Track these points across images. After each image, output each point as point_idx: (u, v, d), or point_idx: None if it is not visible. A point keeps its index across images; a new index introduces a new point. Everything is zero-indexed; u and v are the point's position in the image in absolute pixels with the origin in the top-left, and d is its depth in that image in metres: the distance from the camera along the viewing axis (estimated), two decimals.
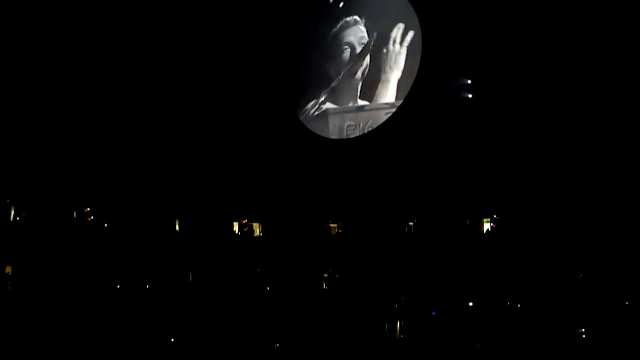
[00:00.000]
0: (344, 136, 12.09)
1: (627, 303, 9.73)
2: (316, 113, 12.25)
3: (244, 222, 12.73)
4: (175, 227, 12.94)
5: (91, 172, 12.72)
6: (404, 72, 12.06)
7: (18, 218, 12.52)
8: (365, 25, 12.32)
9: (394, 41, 12.03)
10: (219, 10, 12.21)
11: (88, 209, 12.73)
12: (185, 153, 12.65)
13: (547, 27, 10.65)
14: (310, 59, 12.49)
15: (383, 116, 11.97)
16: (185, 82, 12.41)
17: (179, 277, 12.39)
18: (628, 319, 9.64)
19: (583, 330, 9.76)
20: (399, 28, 11.91)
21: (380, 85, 12.14)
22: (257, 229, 12.77)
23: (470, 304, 10.73)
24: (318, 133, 12.41)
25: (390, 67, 12.15)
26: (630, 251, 9.79)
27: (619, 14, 10.36)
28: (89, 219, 12.78)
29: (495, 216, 11.04)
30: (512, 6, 10.93)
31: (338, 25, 12.49)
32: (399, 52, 12.05)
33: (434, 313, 10.89)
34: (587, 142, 10.41)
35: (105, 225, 12.66)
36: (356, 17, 12.30)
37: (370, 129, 11.99)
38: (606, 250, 9.94)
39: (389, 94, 12.06)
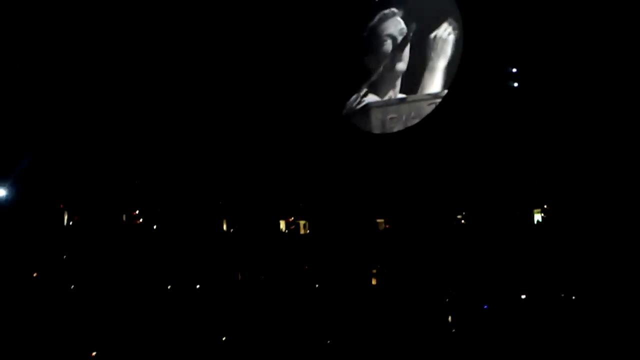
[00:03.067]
0: (387, 129, 12.38)
1: None
2: (358, 107, 12.58)
3: (290, 220, 13.20)
4: (223, 227, 13.48)
5: (138, 174, 13.26)
6: (445, 62, 12.28)
7: (71, 222, 13.19)
8: (403, 17, 12.51)
9: (434, 32, 12.25)
10: (255, 9, 12.51)
11: (137, 212, 13.35)
12: (229, 152, 13.08)
13: (595, 12, 10.78)
14: (350, 54, 12.77)
15: (426, 107, 12.19)
16: (229, 80, 12.80)
17: (229, 277, 12.94)
18: None
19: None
20: (438, 18, 12.12)
21: (421, 77, 12.34)
22: (303, 227, 13.24)
23: (523, 296, 11.12)
24: (361, 128, 12.74)
25: (431, 58, 12.36)
26: None
27: None
28: (138, 222, 13.40)
29: (545, 206, 11.32)
30: None
31: (376, 18, 12.67)
32: (440, 43, 12.26)
33: (486, 307, 11.30)
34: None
35: (155, 227, 13.27)
36: (394, 9, 12.50)
37: (413, 121, 12.29)
38: None
39: (431, 85, 12.30)
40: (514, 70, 11.64)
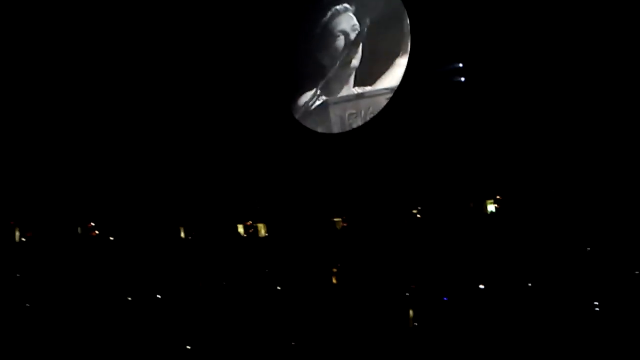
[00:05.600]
0: (346, 126, 12.63)
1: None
2: (315, 105, 12.83)
3: (248, 223, 13.36)
4: (180, 234, 13.62)
5: (88, 185, 13.40)
6: (398, 57, 12.59)
7: (24, 239, 13.26)
8: (355, 13, 12.85)
9: (385, 27, 12.59)
10: (200, 9, 12.79)
11: (92, 224, 13.47)
12: (182, 158, 13.27)
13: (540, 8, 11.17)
14: (302, 52, 13.06)
15: (383, 101, 12.50)
16: (176, 83, 13.04)
17: (188, 284, 13.03)
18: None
19: (597, 303, 10.27)
20: (389, 14, 12.46)
21: (376, 71, 12.68)
22: (262, 230, 13.40)
23: (482, 286, 11.28)
24: (319, 125, 12.95)
25: (384, 53, 12.71)
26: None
27: None
28: (94, 234, 13.52)
29: (498, 197, 11.55)
30: None
31: (328, 15, 13.02)
32: (391, 38, 12.61)
33: (445, 298, 11.44)
34: (586, 124, 10.92)
35: (111, 238, 13.39)
36: (346, 5, 12.85)
37: (372, 115, 12.53)
38: (612, 223, 10.45)
39: (385, 79, 12.60)
40: (460, 65, 11.93)
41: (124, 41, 12.82)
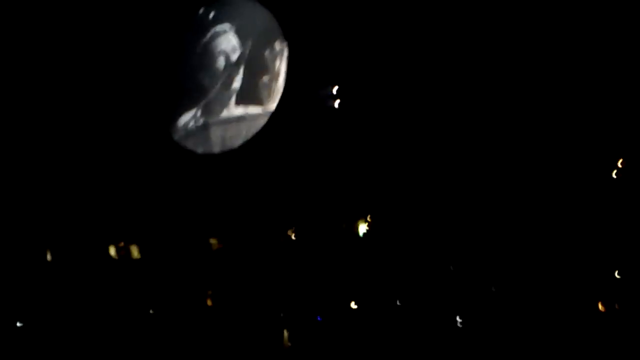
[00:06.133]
0: (227, 147, 12.65)
1: None
2: (195, 126, 12.79)
3: (121, 245, 13.06)
4: (47, 258, 13.15)
5: None
6: (277, 79, 12.77)
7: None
8: (236, 34, 12.98)
9: (265, 49, 12.78)
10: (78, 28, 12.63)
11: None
12: (52, 174, 12.92)
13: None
14: (182, 72, 13.05)
15: (263, 122, 12.61)
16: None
17: (55, 311, 12.60)
18: None
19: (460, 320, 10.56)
20: (268, 36, 12.67)
21: (257, 93, 12.80)
22: (135, 251, 13.12)
23: (354, 305, 11.41)
24: (199, 146, 12.91)
25: (264, 74, 12.87)
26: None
27: None
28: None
29: (369, 218, 11.80)
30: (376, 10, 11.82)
31: (208, 35, 13.09)
32: (270, 60, 12.79)
33: (319, 318, 11.50)
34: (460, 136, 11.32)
35: None
36: (227, 26, 12.97)
37: (251, 136, 12.60)
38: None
39: (266, 100, 12.74)
40: (334, 89, 12.26)
41: None
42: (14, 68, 13.08)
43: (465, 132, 11.45)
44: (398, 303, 10.71)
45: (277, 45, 12.38)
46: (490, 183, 11.25)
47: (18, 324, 12.11)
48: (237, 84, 12.86)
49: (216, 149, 12.61)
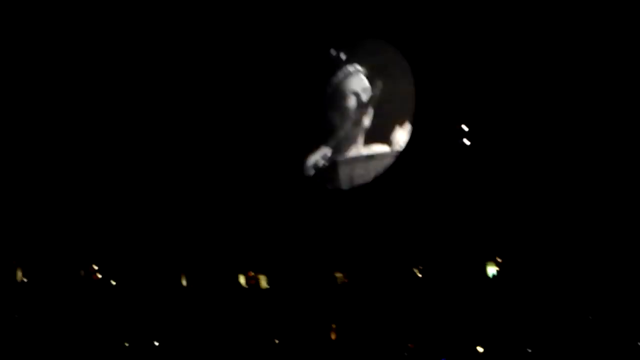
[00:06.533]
0: (355, 185, 12.98)
1: None
2: (325, 164, 13.18)
3: (251, 274, 13.57)
4: (181, 282, 13.80)
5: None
6: (406, 118, 13.03)
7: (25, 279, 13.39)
8: (367, 75, 13.34)
9: (395, 89, 13.07)
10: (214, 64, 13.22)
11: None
12: (190, 208, 13.55)
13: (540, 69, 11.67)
14: (314, 111, 13.49)
15: (391, 161, 12.87)
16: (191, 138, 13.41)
17: (188, 333, 13.15)
18: None
19: None
20: (397, 76, 12.96)
21: (386, 132, 13.10)
22: (263, 281, 13.60)
23: (480, 349, 11.44)
24: (328, 184, 13.30)
25: (393, 114, 13.16)
26: None
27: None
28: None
29: (498, 259, 11.83)
30: (505, 50, 11.95)
31: (340, 75, 13.51)
32: (400, 100, 13.08)
33: (444, 359, 11.59)
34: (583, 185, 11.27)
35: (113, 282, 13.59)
36: (358, 66, 13.34)
37: (378, 175, 12.89)
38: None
39: (395, 140, 13.00)
40: (466, 128, 12.40)
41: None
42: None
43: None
44: (528, 350, 10.65)
45: (407, 86, 12.65)
46: None
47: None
48: (366, 123, 13.18)
49: (345, 186, 12.92)
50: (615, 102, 11.23)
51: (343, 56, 13.26)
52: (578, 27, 11.46)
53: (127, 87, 13.41)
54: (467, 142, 12.09)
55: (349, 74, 13.13)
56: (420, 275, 11.96)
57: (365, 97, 12.96)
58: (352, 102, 13.05)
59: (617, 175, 11.01)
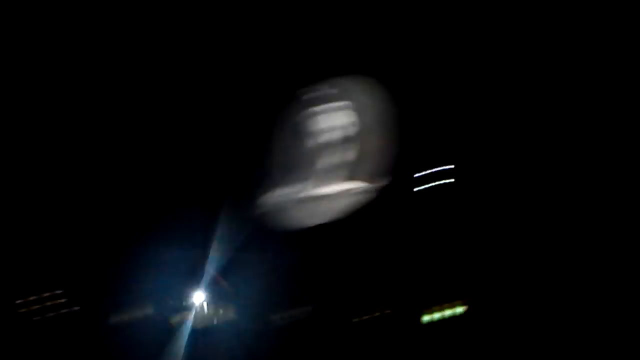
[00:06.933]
0: (332, 219, 13.14)
1: None
2: (302, 198, 13.11)
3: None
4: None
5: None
6: (387, 155, 13.31)
7: None
8: (349, 110, 13.20)
9: (377, 126, 13.18)
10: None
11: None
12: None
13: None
14: (292, 145, 13.13)
15: (371, 197, 13.20)
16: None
17: None
18: None
19: None
20: (381, 113, 13.06)
21: (367, 168, 13.30)
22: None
23: None
24: (306, 218, 13.27)
25: (374, 150, 13.35)
26: None
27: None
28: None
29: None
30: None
31: (321, 110, 13.19)
32: (382, 137, 13.27)
33: None
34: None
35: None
36: (340, 102, 13.12)
37: (355, 210, 13.19)
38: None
39: (377, 176, 13.29)
40: (451, 166, 13.04)
41: None
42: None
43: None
44: None
45: (383, 123, 12.90)
46: None
47: None
48: (348, 158, 13.28)
49: (321, 220, 13.13)
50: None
51: (316, 94, 12.96)
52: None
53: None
54: (449, 180, 12.72)
55: (331, 109, 12.93)
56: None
57: (346, 133, 12.96)
58: (333, 137, 12.98)
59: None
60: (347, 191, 12.45)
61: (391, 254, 12.30)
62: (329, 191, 12.46)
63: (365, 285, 12.47)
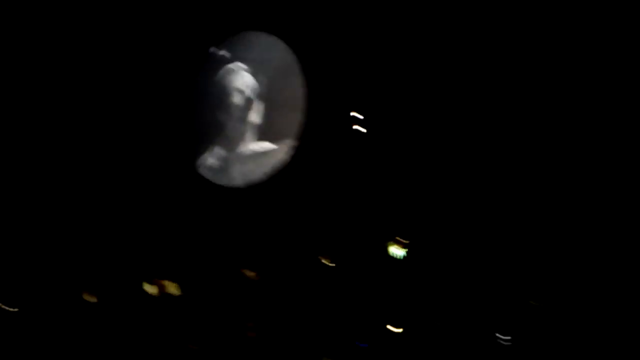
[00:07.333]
0: (248, 181, 13.18)
1: None
2: (216, 162, 13.24)
3: (159, 282, 13.58)
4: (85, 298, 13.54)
5: None
6: (295, 111, 13.25)
7: None
8: (251, 70, 13.30)
9: (282, 82, 13.18)
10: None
11: None
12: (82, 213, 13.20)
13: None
14: (199, 110, 13.35)
15: (283, 156, 13.15)
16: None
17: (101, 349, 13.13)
18: None
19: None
20: (285, 70, 13.05)
21: (276, 128, 13.28)
22: (173, 288, 13.69)
23: (395, 329, 12.46)
24: (221, 181, 13.39)
25: (281, 108, 13.32)
26: None
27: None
28: None
29: (401, 240, 12.68)
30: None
31: (223, 72, 13.37)
32: (288, 93, 13.24)
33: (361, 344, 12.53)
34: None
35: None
36: (240, 63, 13.25)
37: (272, 170, 13.17)
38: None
39: (284, 135, 13.25)
40: (360, 116, 12.85)
41: None
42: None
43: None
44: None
45: (296, 79, 12.83)
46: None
47: None
48: (254, 119, 13.30)
49: (238, 183, 13.15)
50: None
51: (224, 53, 13.08)
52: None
53: None
54: (362, 129, 12.50)
55: (231, 71, 13.05)
56: (331, 265, 12.58)
57: (249, 94, 12.99)
58: (236, 99, 13.04)
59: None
60: (264, 151, 12.60)
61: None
62: (246, 151, 12.68)
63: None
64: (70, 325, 12.92)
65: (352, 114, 12.65)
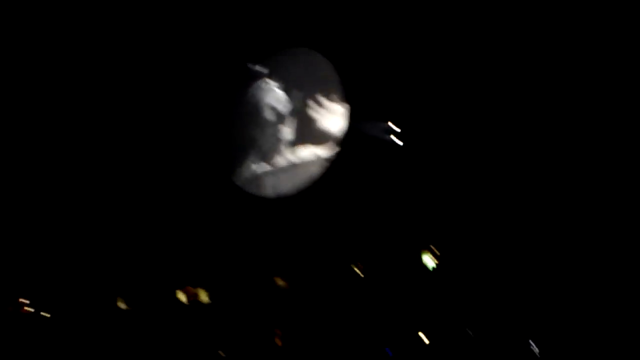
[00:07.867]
0: (282, 192, 13.53)
1: None
2: (250, 176, 13.61)
3: (190, 290, 13.83)
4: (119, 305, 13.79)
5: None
6: (329, 126, 13.67)
7: None
8: (284, 86, 13.76)
9: (317, 97, 13.62)
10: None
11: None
12: (120, 225, 13.49)
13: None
14: (234, 127, 13.75)
15: (317, 170, 13.53)
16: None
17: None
18: None
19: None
20: (319, 85, 13.50)
21: (310, 142, 13.68)
22: (204, 295, 13.93)
23: (424, 338, 12.66)
24: (256, 192, 13.73)
25: (316, 122, 13.75)
26: None
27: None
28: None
29: (436, 252, 12.92)
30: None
31: (259, 89, 13.83)
32: (324, 108, 13.67)
33: (389, 351, 12.71)
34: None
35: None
36: (273, 80, 13.70)
37: (305, 185, 13.53)
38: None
39: (320, 148, 13.63)
40: (396, 129, 13.22)
41: None
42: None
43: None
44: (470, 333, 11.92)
45: (332, 93, 13.27)
46: None
47: None
48: (288, 134, 13.72)
49: (271, 195, 13.49)
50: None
51: (262, 69, 13.54)
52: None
53: None
54: (399, 142, 12.78)
55: (265, 87, 13.48)
56: (362, 275, 12.81)
57: (282, 109, 13.41)
58: (269, 115, 13.45)
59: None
60: (298, 164, 13.00)
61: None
62: (280, 164, 13.07)
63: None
64: (103, 332, 13.04)
65: (388, 125, 12.93)
